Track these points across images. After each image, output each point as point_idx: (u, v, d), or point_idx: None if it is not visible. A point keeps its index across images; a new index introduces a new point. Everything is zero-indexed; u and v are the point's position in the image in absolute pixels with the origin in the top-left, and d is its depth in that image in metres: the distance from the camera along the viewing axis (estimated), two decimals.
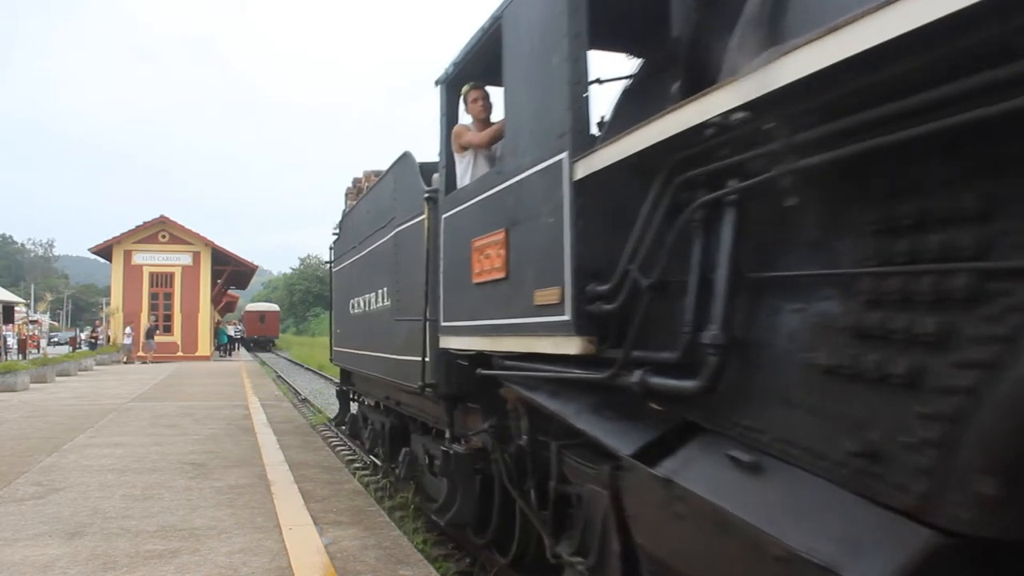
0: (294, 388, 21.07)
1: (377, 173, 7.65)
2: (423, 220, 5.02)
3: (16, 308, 38.25)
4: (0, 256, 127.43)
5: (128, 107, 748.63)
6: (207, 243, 30.34)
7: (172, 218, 30.05)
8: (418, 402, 5.80)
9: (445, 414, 5.05)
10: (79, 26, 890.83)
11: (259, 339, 50.29)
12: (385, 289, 6.30)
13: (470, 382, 4.39)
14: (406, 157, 5.88)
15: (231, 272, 33.74)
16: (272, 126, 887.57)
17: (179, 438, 8.29)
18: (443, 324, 4.53)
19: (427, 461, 5.93)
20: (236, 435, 8.54)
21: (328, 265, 10.21)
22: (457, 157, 4.66)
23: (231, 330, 41.33)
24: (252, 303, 65.33)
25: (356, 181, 9.11)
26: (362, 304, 7.40)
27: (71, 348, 35.13)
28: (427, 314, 4.84)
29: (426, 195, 4.97)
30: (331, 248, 9.94)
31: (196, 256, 30.18)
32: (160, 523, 4.66)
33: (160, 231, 29.87)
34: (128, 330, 28.22)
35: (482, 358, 4.14)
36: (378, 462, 8.33)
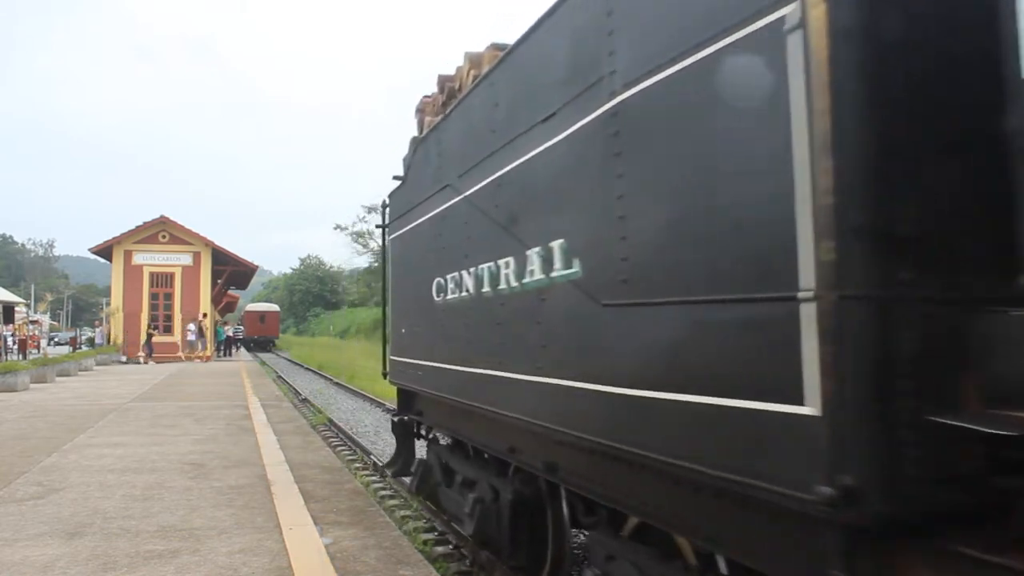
0: (294, 388, 21.07)
1: (502, 47, 4.33)
2: (802, 25, 1.84)
3: (16, 308, 38.25)
4: (0, 256, 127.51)
5: (128, 107, 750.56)
6: (207, 243, 30.33)
7: (172, 218, 30.06)
8: (620, 478, 2.82)
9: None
10: (79, 26, 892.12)
11: (259, 339, 50.31)
12: (560, 243, 3.09)
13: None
14: None
15: (231, 272, 33.73)
16: (272, 126, 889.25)
17: (179, 438, 8.28)
18: None
19: None
20: (236, 435, 8.54)
21: (381, 230, 6.71)
22: None
23: (229, 330, 41.32)
24: (252, 303, 65.33)
25: (444, 81, 5.46)
26: (468, 283, 4.20)
27: (71, 348, 35.11)
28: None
29: None
30: (384, 206, 6.65)
31: (196, 256, 30.18)
32: (160, 523, 4.66)
33: (160, 231, 29.86)
34: (192, 327, 28.71)
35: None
36: (477, 555, 5.39)
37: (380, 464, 9.45)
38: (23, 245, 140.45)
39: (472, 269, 4.15)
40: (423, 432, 6.30)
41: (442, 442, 5.83)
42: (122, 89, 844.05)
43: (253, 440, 8.18)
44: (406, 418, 6.49)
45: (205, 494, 5.47)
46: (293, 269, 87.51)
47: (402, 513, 7.09)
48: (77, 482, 5.90)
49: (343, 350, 37.02)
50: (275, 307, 57.84)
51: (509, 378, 3.62)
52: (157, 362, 26.79)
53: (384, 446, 11.22)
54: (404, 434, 6.59)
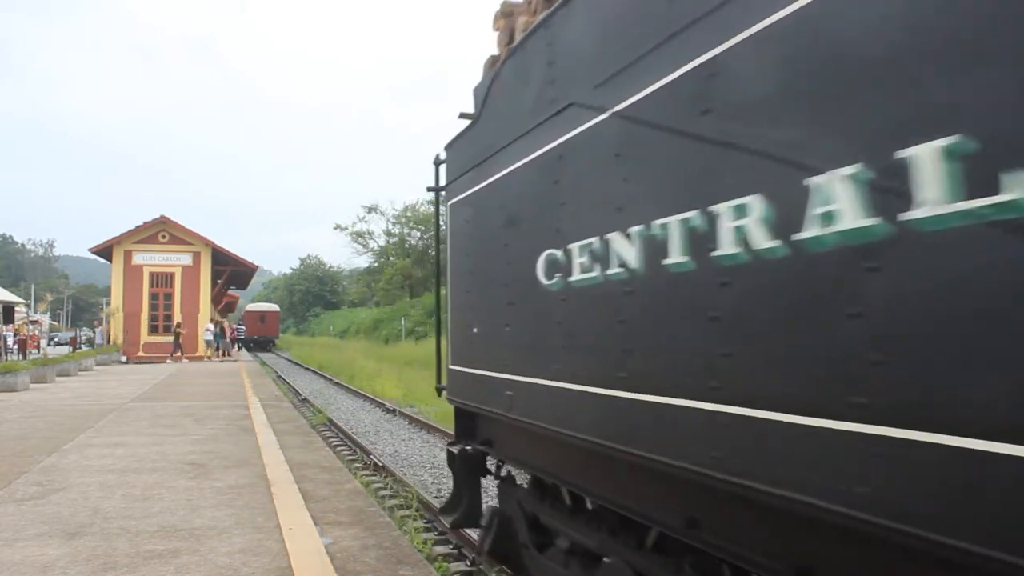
0: (294, 388, 21.09)
1: None
2: None
3: (16, 308, 38.26)
4: (0, 256, 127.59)
5: (128, 107, 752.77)
6: (207, 243, 30.33)
7: (172, 218, 30.03)
8: None
9: None
10: (79, 26, 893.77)
11: (259, 339, 50.35)
12: (947, 144, 1.45)
13: None
14: None
15: (231, 272, 33.74)
16: (272, 126, 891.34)
17: (179, 438, 8.28)
18: None
19: None
20: (236, 435, 8.54)
21: (434, 193, 5.14)
22: None
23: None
24: (252, 303, 65.38)
25: None
26: (625, 253, 2.67)
27: (71, 348, 35.11)
28: None
29: None
30: (438, 162, 5.07)
31: (196, 256, 30.18)
32: (160, 523, 4.66)
33: (160, 231, 29.86)
34: (210, 326, 28.90)
35: None
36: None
37: (383, 465, 9.45)
38: (23, 245, 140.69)
39: (633, 230, 2.61)
40: (490, 467, 4.76)
41: (513, 477, 4.50)
42: (122, 89, 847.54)
43: (253, 440, 8.18)
44: (469, 448, 4.68)
45: (205, 494, 5.48)
46: (293, 269, 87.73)
47: (402, 513, 7.10)
48: (77, 482, 5.91)
49: (343, 350, 37.03)
50: (275, 307, 57.89)
51: (734, 416, 2.08)
52: (156, 362, 26.80)
53: (384, 446, 11.22)
54: (466, 470, 4.74)
